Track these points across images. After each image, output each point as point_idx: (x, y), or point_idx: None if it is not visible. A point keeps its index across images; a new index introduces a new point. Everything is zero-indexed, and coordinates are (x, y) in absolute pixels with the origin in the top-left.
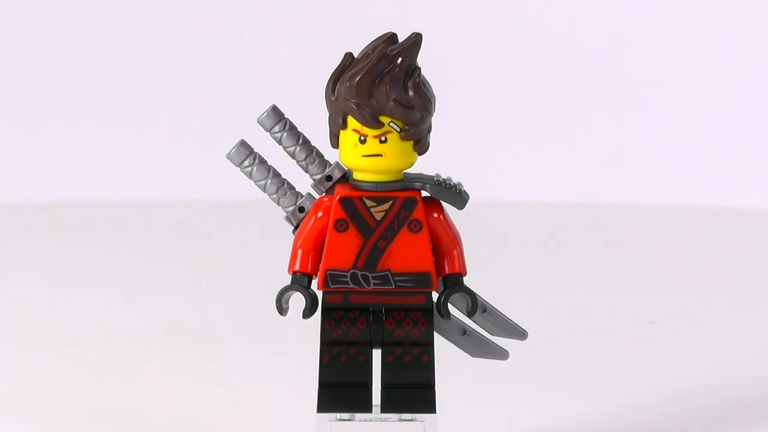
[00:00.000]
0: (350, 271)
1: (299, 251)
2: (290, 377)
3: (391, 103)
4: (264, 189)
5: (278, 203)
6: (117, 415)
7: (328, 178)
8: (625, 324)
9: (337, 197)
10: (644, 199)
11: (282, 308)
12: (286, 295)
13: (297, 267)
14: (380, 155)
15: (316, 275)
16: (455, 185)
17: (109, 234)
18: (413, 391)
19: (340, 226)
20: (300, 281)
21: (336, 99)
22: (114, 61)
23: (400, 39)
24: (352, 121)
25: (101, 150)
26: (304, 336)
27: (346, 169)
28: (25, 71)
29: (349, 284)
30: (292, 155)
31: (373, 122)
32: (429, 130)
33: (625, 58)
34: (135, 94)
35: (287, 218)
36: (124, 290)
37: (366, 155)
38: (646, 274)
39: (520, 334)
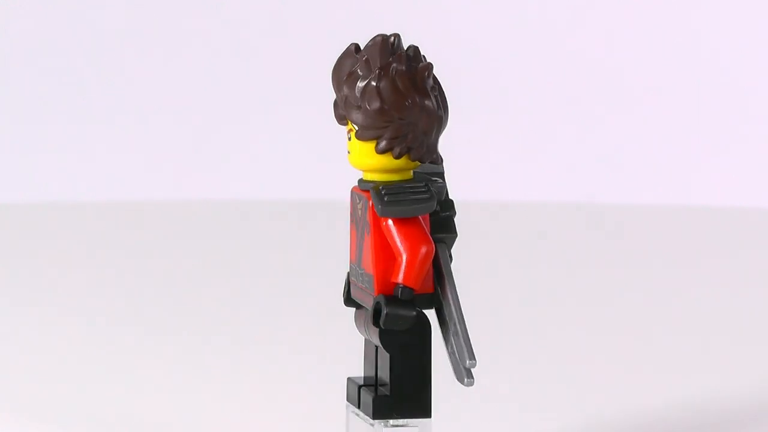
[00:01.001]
0: (353, 265)
1: None
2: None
3: (344, 101)
4: None
5: None
6: (117, 415)
7: None
8: (626, 324)
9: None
10: (644, 199)
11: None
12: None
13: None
14: (348, 152)
15: None
16: (417, 191)
17: (108, 234)
18: (375, 395)
19: (351, 218)
20: None
21: None
22: (113, 61)
23: (410, 41)
24: None
25: (101, 150)
26: (312, 334)
27: None
28: (25, 71)
29: (353, 278)
30: None
31: (338, 117)
32: (399, 137)
33: (625, 57)
34: (134, 94)
35: None
36: (124, 290)
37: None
38: (646, 274)
39: (461, 375)
